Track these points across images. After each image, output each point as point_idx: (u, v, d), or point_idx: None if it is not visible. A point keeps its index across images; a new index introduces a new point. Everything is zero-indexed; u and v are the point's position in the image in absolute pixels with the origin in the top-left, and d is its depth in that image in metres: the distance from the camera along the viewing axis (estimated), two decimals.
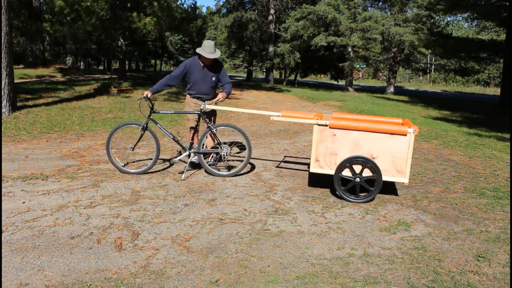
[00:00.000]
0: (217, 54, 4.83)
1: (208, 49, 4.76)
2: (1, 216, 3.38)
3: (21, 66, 20.34)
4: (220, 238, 3.16)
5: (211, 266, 2.72)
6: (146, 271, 2.64)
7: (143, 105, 5.42)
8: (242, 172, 4.97)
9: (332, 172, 4.12)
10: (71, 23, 13.55)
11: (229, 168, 4.98)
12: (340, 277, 2.63)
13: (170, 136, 4.89)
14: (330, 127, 4.07)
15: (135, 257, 2.81)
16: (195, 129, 5.02)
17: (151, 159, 4.99)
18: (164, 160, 5.48)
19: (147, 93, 4.75)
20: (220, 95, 4.89)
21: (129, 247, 2.95)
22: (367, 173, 4.05)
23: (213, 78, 4.95)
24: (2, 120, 7.75)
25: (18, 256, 2.76)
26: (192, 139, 4.97)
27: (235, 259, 2.83)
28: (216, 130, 4.77)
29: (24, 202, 3.75)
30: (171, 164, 5.30)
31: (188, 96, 5.11)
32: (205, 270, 2.67)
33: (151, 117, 4.82)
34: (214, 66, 4.97)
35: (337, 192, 4.15)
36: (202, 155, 4.79)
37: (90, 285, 2.45)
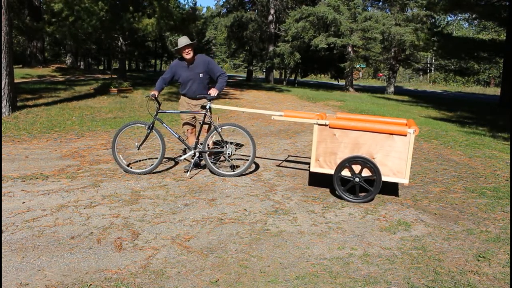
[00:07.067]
0: (187, 42, 4.77)
1: (180, 41, 4.78)
2: (1, 216, 3.38)
3: (21, 66, 20.34)
4: (220, 238, 3.16)
5: (211, 266, 2.72)
6: (146, 271, 2.64)
7: (150, 104, 5.44)
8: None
9: (332, 171, 4.12)
10: (71, 23, 13.52)
11: (233, 167, 4.97)
12: (340, 277, 2.63)
13: (176, 135, 4.89)
14: (330, 127, 4.07)
15: (135, 257, 2.82)
16: (195, 128, 5.01)
17: (153, 158, 4.99)
18: (167, 159, 5.48)
19: (155, 92, 4.74)
20: (211, 91, 4.82)
21: (129, 247, 2.95)
22: (366, 173, 4.05)
23: (201, 75, 4.89)
24: (2, 120, 7.75)
25: (18, 256, 2.76)
26: (198, 138, 4.95)
27: (235, 259, 2.83)
28: (221, 130, 4.76)
29: (24, 202, 3.75)
30: (176, 163, 5.30)
31: (182, 96, 5.11)
32: (205, 270, 2.67)
33: (157, 117, 4.82)
34: (199, 62, 4.91)
35: (336, 192, 4.15)
36: (206, 155, 4.79)
37: (90, 285, 2.45)
